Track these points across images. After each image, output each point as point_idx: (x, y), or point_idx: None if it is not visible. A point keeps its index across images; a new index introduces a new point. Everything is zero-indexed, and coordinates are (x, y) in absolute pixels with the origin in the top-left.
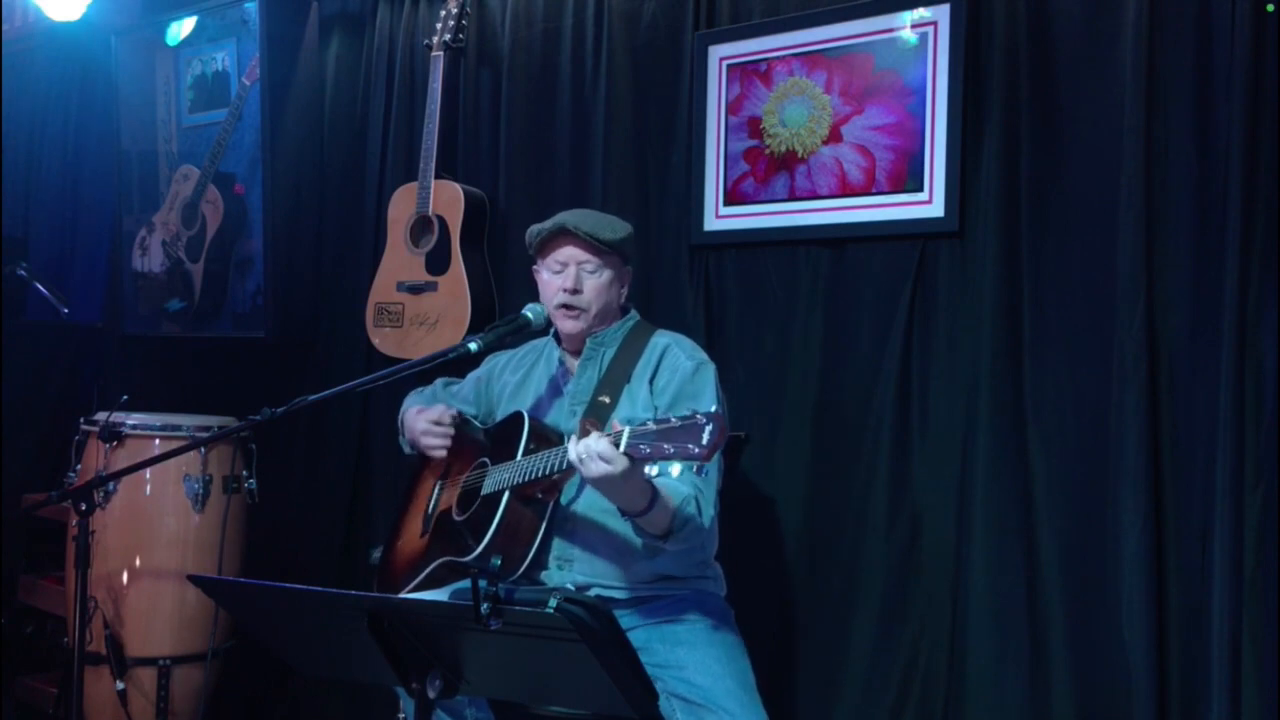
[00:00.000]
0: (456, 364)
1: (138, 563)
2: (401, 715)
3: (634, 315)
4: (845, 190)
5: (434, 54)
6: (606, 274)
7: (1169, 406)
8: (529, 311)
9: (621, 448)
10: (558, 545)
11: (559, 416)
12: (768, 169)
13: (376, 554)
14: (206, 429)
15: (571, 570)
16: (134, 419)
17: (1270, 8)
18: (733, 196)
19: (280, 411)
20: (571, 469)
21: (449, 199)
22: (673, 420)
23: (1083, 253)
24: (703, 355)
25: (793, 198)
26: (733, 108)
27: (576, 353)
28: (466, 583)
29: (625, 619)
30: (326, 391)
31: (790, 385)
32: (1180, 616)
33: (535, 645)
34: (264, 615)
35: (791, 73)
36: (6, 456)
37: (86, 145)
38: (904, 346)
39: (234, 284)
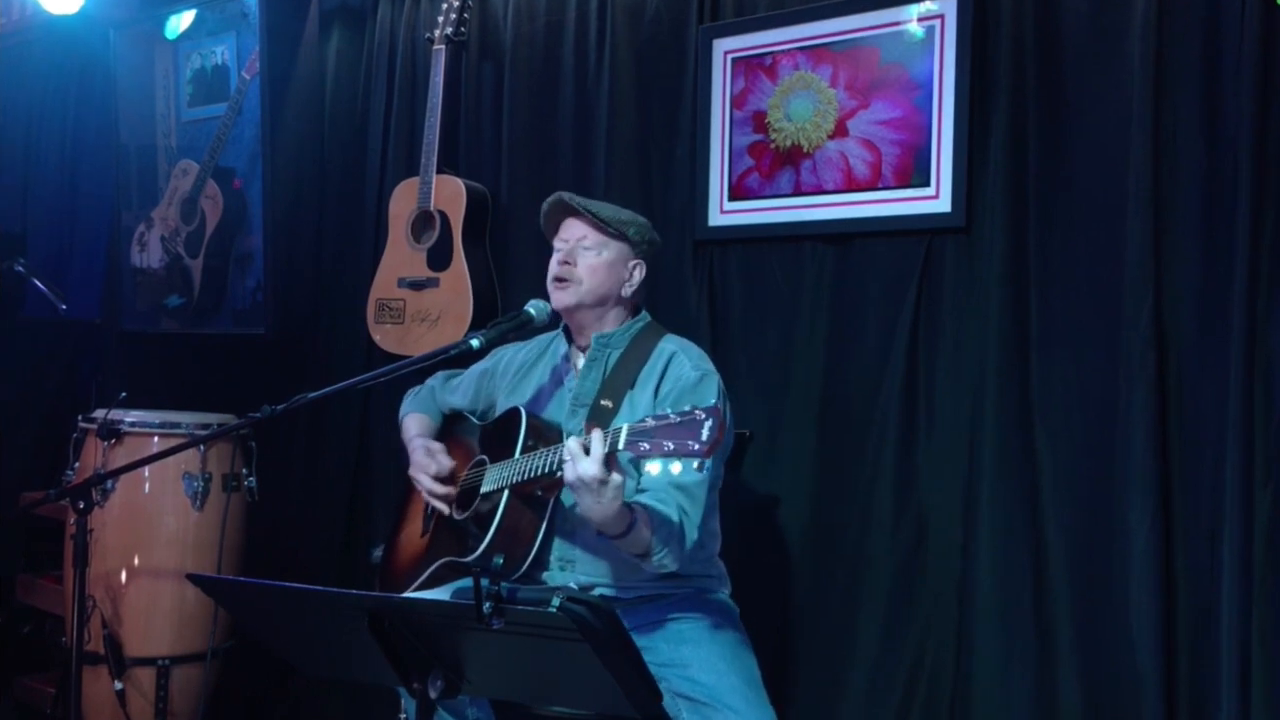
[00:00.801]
0: (458, 361)
1: (136, 561)
2: (403, 715)
3: (644, 317)
4: (851, 185)
5: (435, 48)
6: (606, 255)
7: (1177, 403)
8: (531, 308)
9: (621, 444)
10: (559, 546)
11: (559, 412)
12: (773, 164)
13: (377, 553)
14: (206, 426)
15: (574, 570)
16: (132, 416)
17: None
18: (737, 192)
19: (280, 409)
20: None
21: (451, 194)
22: (672, 417)
23: (1090, 248)
24: (709, 366)
25: (798, 193)
26: (737, 102)
27: (583, 350)
28: (468, 581)
29: (629, 618)
30: (327, 389)
31: (795, 382)
32: (1189, 616)
33: (538, 645)
34: (264, 615)
35: (797, 66)
36: (4, 454)
37: (85, 140)
38: (909, 343)
39: (233, 280)
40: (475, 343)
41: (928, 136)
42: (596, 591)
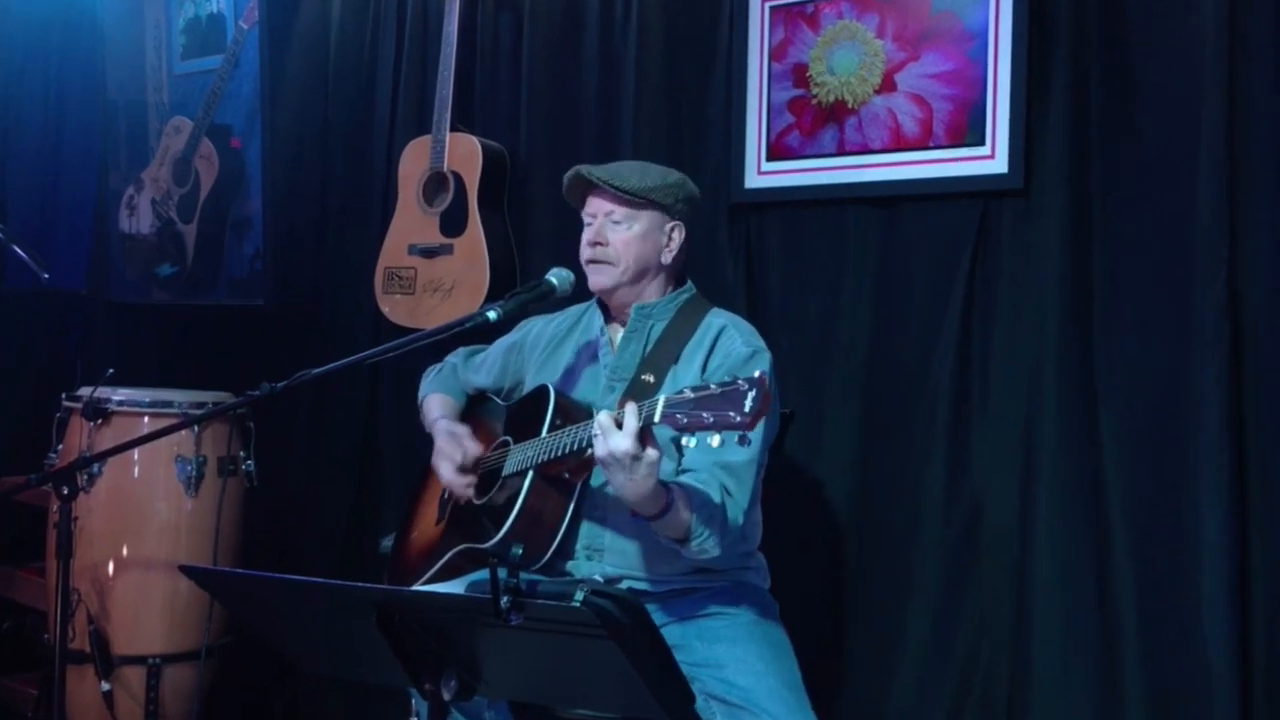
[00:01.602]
0: (474, 335)
1: (125, 552)
2: (414, 718)
3: (690, 288)
4: (899, 144)
5: None
6: (638, 227)
7: (1253, 380)
8: (553, 277)
9: (657, 416)
10: (586, 532)
11: (593, 391)
12: (814, 121)
13: (387, 543)
14: (200, 406)
15: (601, 561)
16: (121, 394)
17: None
18: (776, 151)
19: (281, 386)
20: None
21: (465, 154)
22: (712, 387)
23: (1158, 211)
24: (760, 342)
25: (842, 152)
26: (776, 54)
27: (621, 323)
28: (484, 574)
29: (659, 614)
30: (331, 364)
31: (838, 358)
32: (1265, 612)
33: (560, 642)
34: (263, 609)
35: (841, 15)
36: None
37: (69, 95)
38: (963, 315)
39: (230, 247)
40: (492, 315)
41: (982, 91)
42: (625, 584)
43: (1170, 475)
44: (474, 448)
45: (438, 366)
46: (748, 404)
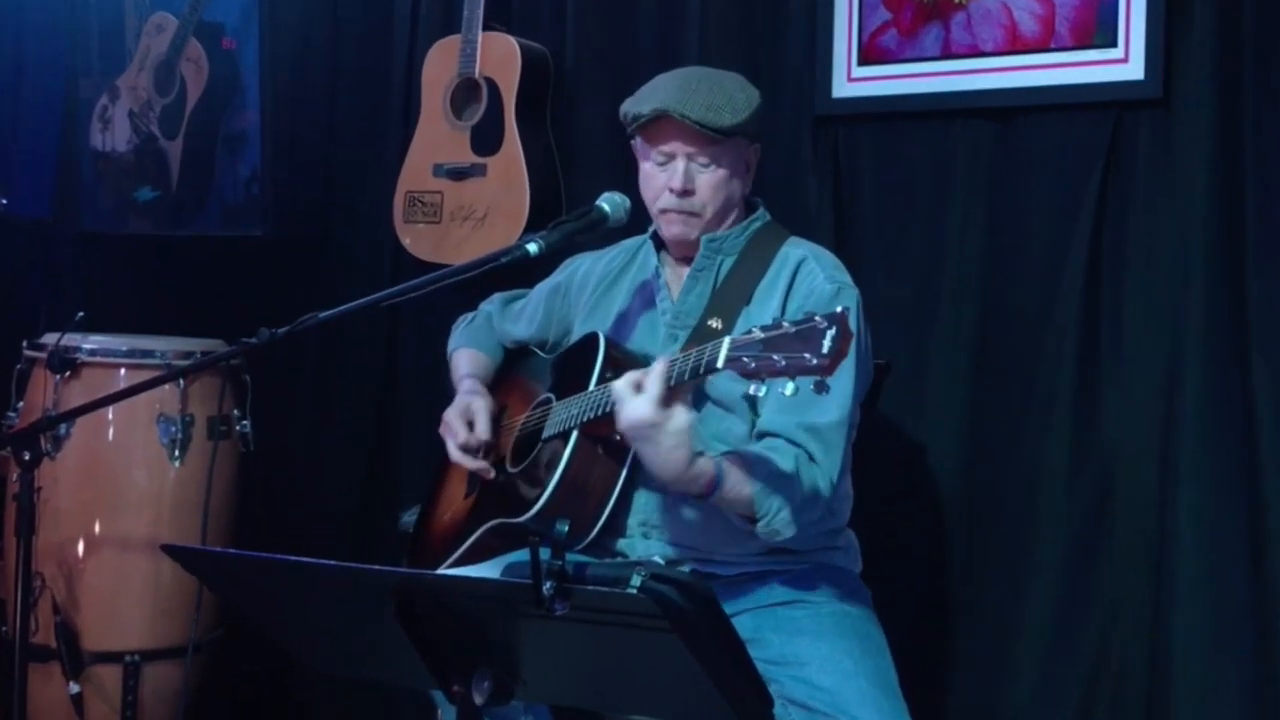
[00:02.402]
0: (511, 272)
1: (97, 529)
2: None
3: (761, 214)
4: (1015, 45)
5: None
6: (725, 165)
7: None
8: (605, 203)
9: (720, 362)
10: (642, 505)
11: (651, 341)
12: (915, 18)
13: (409, 518)
14: (187, 355)
15: (660, 539)
16: (92, 342)
17: None
18: (869, 54)
19: (283, 333)
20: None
21: (501, 57)
22: (785, 325)
23: None
24: (846, 277)
25: (947, 55)
26: None
27: (684, 260)
28: (523, 554)
29: (729, 602)
30: (343, 307)
31: (943, 299)
32: None
33: (613, 636)
34: (260, 597)
35: None
36: None
37: None
38: (1090, 248)
39: (222, 167)
40: (533, 248)
41: None
42: (688, 566)
43: None
44: (482, 431)
45: (469, 316)
46: (826, 344)
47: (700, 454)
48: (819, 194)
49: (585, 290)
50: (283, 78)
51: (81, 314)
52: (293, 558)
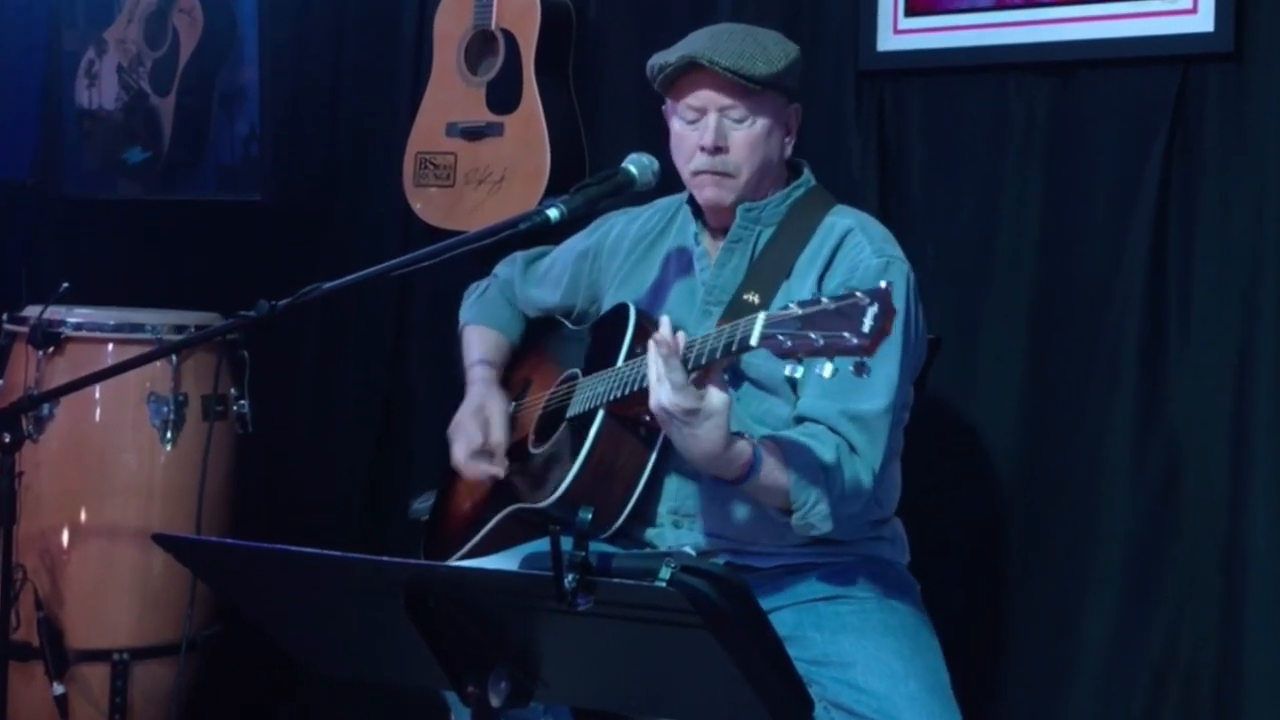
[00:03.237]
0: (530, 239)
1: (83, 517)
2: None
3: (806, 179)
4: None
5: None
6: (761, 122)
7: None
8: (632, 165)
9: (754, 340)
10: (673, 491)
11: (686, 314)
12: None
13: (420, 505)
14: (180, 330)
15: (692, 528)
16: (78, 315)
17: None
18: (918, 3)
19: (284, 305)
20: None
21: (520, 7)
22: (824, 301)
23: None
24: (897, 251)
25: (1002, 4)
26: None
27: (721, 231)
28: (543, 545)
29: (766, 597)
30: (348, 277)
31: (997, 269)
32: None
33: (640, 633)
34: (259, 591)
35: None
36: None
37: None
38: (1156, 214)
39: (218, 126)
40: (554, 214)
41: None
42: (722, 558)
43: None
44: (501, 434)
45: (482, 284)
46: (867, 322)
47: (738, 435)
48: (862, 156)
49: (618, 256)
50: (283, 30)
51: (65, 285)
52: (294, 548)
